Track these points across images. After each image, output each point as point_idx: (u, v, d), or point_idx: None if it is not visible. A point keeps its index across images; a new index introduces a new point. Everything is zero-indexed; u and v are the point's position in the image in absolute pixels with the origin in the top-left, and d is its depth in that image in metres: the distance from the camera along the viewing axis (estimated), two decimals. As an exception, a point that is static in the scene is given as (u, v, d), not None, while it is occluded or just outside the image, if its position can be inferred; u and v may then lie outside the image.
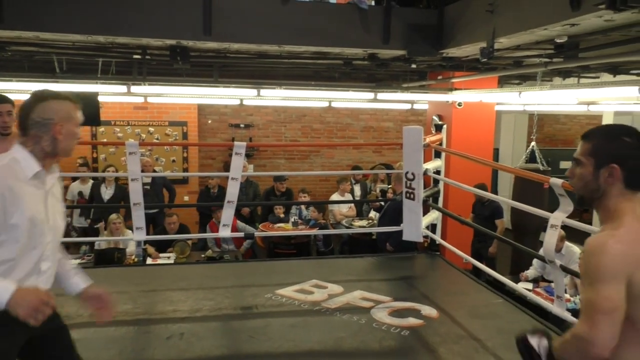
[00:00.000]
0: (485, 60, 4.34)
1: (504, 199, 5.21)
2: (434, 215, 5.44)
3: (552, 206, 3.51)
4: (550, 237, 3.17)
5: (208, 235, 6.19)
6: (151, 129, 9.08)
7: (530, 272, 5.56)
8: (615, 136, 1.46)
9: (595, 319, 1.34)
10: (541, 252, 3.50)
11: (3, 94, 3.04)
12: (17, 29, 4.37)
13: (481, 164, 4.95)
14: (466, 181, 5.08)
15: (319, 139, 10.18)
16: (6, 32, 4.51)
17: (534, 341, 1.57)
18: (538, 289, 5.22)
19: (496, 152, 10.11)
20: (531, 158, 6.79)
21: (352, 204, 7.66)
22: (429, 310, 3.87)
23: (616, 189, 1.44)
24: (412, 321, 3.67)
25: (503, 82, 7.83)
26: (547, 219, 3.24)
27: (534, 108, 7.48)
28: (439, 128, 5.66)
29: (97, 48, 5.50)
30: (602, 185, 1.45)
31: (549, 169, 6.66)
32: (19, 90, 6.66)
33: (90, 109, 6.10)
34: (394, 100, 8.50)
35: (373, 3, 5.34)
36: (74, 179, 7.45)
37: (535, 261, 5.54)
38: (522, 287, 4.73)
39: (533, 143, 6.72)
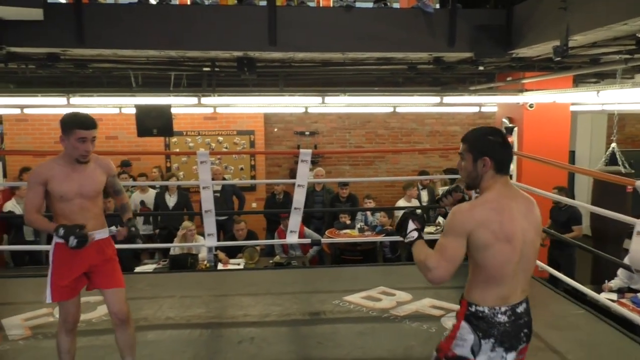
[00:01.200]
0: (558, 59, 4.14)
1: (584, 204, 4.94)
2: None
3: (636, 211, 3.28)
4: (638, 245, 2.96)
5: (276, 241, 6.29)
6: (220, 138, 9.38)
7: (615, 282, 5.19)
8: (483, 136, 1.95)
9: (440, 259, 1.86)
10: (626, 260, 3.28)
11: (92, 116, 2.77)
12: (97, 47, 4.66)
13: (557, 167, 4.72)
14: (540, 186, 4.85)
15: (384, 145, 10.11)
16: (88, 51, 4.81)
17: (412, 224, 2.05)
18: (623, 300, 4.87)
19: (572, 154, 9.61)
20: (611, 160, 6.38)
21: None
22: (502, 320, 3.72)
23: (488, 175, 1.93)
24: (484, 331, 3.55)
25: (578, 81, 7.44)
26: (631, 225, 3.04)
27: (613, 107, 7.05)
28: (509, 131, 5.46)
29: (170, 62, 5.75)
30: (479, 173, 1.93)
31: (632, 171, 6.24)
32: (100, 104, 7.10)
33: (164, 120, 6.40)
34: (461, 103, 8.29)
35: (438, 6, 5.24)
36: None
37: (620, 271, 5.18)
38: (606, 298, 4.44)
39: (613, 144, 6.33)
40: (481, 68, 5.83)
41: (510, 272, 1.88)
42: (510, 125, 6.17)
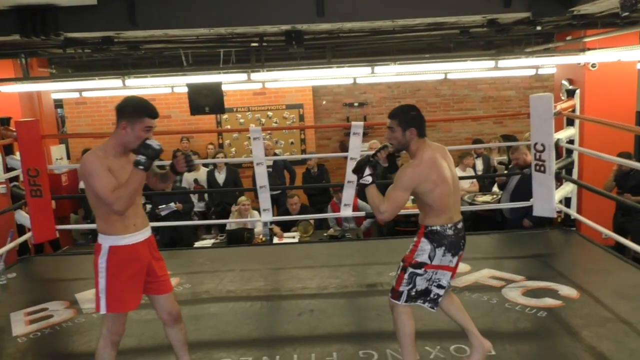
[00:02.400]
0: (626, 14, 3.86)
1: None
2: (567, 189, 5.04)
3: None
4: None
5: (331, 215, 6.32)
6: (270, 113, 9.43)
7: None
8: (407, 112, 2.61)
9: (390, 206, 2.49)
10: None
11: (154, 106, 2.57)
12: (149, 29, 4.73)
13: (623, 129, 4.46)
14: (604, 150, 4.61)
15: (435, 113, 9.87)
16: (140, 33, 4.90)
17: (368, 170, 2.57)
18: (697, 268, 4.63)
19: (638, 115, 9.07)
20: (683, 121, 5.98)
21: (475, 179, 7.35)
22: (567, 290, 3.62)
23: (414, 140, 2.58)
24: (549, 301, 3.46)
25: (645, 37, 6.95)
26: None
27: (685, 63, 6.55)
28: (570, 93, 5.18)
29: (218, 39, 5.79)
30: (407, 140, 2.58)
31: None
32: (153, 85, 7.27)
33: (215, 97, 6.49)
34: (516, 67, 7.94)
35: (491, -36, 4.99)
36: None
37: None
38: (678, 266, 4.22)
39: (685, 103, 5.91)
40: (539, 28, 5.54)
41: (451, 201, 2.59)
42: (571, 87, 5.85)
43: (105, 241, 2.48)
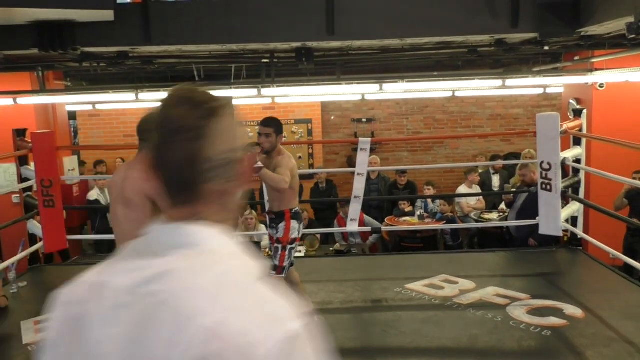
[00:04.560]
0: (632, 36, 3.92)
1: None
2: (574, 208, 5.06)
3: None
4: None
5: (337, 229, 6.36)
6: (278, 128, 9.52)
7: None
8: (279, 122, 3.61)
9: (287, 178, 3.30)
10: None
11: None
12: (163, 45, 4.85)
13: (630, 148, 4.48)
14: (612, 170, 4.64)
15: (443, 130, 9.90)
16: (154, 48, 5.02)
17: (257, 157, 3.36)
18: None
19: (646, 135, 9.06)
20: (691, 141, 5.97)
21: (481, 196, 7.38)
22: (572, 310, 3.62)
23: (279, 142, 3.50)
24: (554, 321, 3.47)
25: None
26: None
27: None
28: (577, 113, 5.23)
29: (230, 55, 5.90)
30: (278, 143, 3.47)
31: None
32: (165, 99, 7.38)
33: (226, 112, 6.57)
34: (524, 85, 7.99)
35: (499, -15, 5.07)
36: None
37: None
38: (684, 287, 4.21)
39: (693, 124, 5.92)
40: (546, 48, 5.60)
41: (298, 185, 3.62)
42: (579, 107, 5.89)
43: None
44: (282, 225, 3.49)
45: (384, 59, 6.74)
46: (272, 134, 3.44)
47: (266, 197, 3.94)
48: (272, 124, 3.52)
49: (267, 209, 3.78)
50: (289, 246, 3.44)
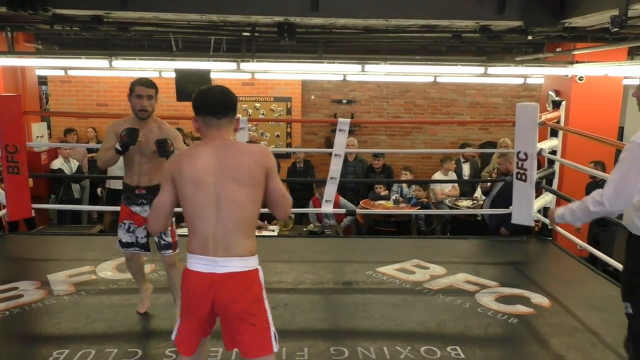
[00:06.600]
0: (616, 30, 3.91)
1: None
2: (547, 198, 5.10)
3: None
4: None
5: (311, 210, 6.31)
6: (257, 105, 9.38)
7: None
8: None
9: None
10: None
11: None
12: (140, 10, 4.67)
13: (604, 143, 4.51)
14: (585, 162, 4.68)
15: (422, 115, 9.90)
16: (130, 14, 4.83)
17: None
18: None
19: (621, 130, 9.20)
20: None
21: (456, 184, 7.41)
22: (539, 299, 3.66)
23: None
24: (521, 309, 3.50)
25: (633, 54, 7.04)
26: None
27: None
28: (556, 105, 5.25)
29: (210, 26, 5.73)
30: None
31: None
32: (140, 68, 7.17)
33: (203, 85, 6.41)
34: (505, 74, 8.00)
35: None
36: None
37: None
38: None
39: (666, 121, 6.01)
40: (530, 38, 5.59)
41: None
42: (558, 99, 5.92)
43: (256, 262, 2.09)
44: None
45: (367, 40, 6.65)
46: (154, 96, 3.18)
47: (126, 170, 3.19)
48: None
49: (132, 183, 3.14)
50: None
